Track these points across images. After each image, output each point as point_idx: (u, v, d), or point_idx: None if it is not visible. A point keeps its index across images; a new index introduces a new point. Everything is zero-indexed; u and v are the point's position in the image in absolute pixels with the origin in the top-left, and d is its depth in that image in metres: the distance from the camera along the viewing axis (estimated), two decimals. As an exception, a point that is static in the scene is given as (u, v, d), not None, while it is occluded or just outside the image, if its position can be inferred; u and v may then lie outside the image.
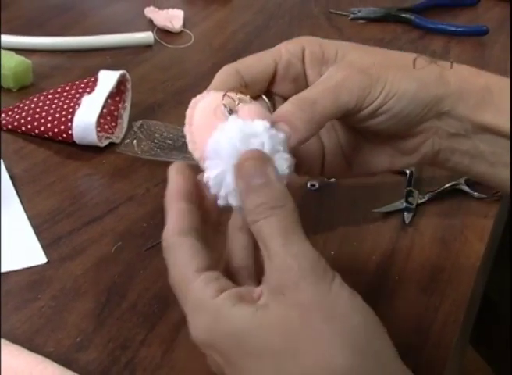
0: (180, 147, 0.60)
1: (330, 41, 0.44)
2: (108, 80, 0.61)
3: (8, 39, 0.75)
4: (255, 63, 0.43)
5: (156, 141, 0.60)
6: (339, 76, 0.39)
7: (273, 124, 0.36)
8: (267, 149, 0.35)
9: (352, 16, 0.86)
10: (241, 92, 0.39)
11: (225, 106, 0.38)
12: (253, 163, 0.34)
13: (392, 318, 0.45)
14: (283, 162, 0.35)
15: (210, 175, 0.36)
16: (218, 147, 0.36)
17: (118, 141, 0.61)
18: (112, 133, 0.61)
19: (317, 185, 0.57)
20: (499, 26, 0.83)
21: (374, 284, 0.47)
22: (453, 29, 0.81)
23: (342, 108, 0.38)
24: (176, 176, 0.39)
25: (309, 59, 0.43)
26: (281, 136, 0.36)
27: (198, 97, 0.40)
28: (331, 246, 0.51)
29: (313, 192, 0.56)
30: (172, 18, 0.83)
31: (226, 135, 0.36)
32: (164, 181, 0.58)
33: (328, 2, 0.91)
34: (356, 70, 0.40)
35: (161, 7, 0.86)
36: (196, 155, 0.39)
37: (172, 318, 0.44)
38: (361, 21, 0.85)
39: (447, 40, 0.81)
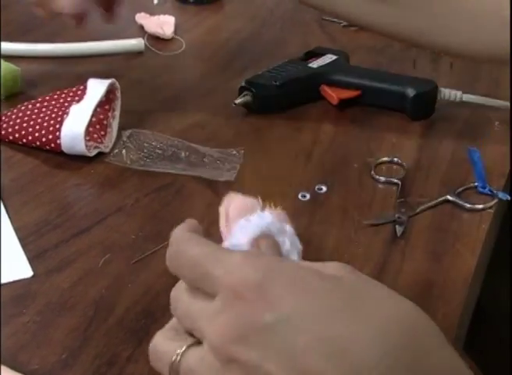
0: (170, 156, 0.60)
1: None
2: (97, 88, 0.60)
3: (-3, 45, 0.74)
4: None
5: (145, 150, 0.59)
6: None
7: None
8: (286, 250, 0.38)
9: (344, 23, 0.85)
10: None
11: (259, 204, 0.42)
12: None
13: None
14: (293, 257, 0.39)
15: None
16: (244, 232, 0.38)
17: (107, 150, 0.60)
18: (101, 142, 0.60)
19: (308, 196, 0.57)
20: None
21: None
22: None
23: None
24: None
25: None
26: (299, 246, 0.40)
27: (232, 194, 0.44)
28: (322, 258, 0.50)
29: (304, 203, 0.56)
30: (163, 24, 0.83)
31: (254, 224, 0.39)
32: (154, 191, 0.57)
33: (320, 9, 0.90)
34: None
35: (152, 13, 0.86)
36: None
37: (159, 333, 0.43)
38: (353, 28, 0.85)
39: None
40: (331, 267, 0.33)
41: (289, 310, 0.30)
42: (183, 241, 0.34)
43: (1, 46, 0.74)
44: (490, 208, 0.55)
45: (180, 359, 0.32)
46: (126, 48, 0.78)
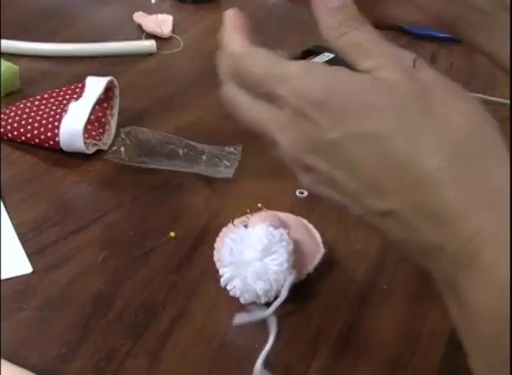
0: (168, 154, 0.60)
1: None
2: (95, 86, 0.60)
3: (-4, 44, 0.74)
4: None
5: (144, 147, 0.60)
6: None
7: None
8: (264, 243, 0.43)
9: (341, 22, 0.85)
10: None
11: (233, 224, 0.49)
12: None
13: (380, 327, 0.44)
14: (282, 254, 0.43)
15: (225, 280, 0.44)
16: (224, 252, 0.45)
17: (105, 147, 0.60)
18: (100, 139, 0.61)
19: (305, 193, 0.57)
20: (487, 33, 0.83)
21: (362, 293, 0.47)
22: (442, 35, 0.81)
23: None
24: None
25: None
26: (280, 231, 0.44)
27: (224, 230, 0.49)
28: (325, 255, 0.50)
29: (301, 200, 0.56)
30: (162, 23, 0.83)
31: (230, 241, 0.45)
32: (152, 188, 0.58)
33: (317, 8, 0.91)
34: None
35: (150, 12, 0.86)
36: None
37: (158, 328, 0.44)
38: (351, 27, 0.85)
39: (436, 46, 0.81)
40: (425, 75, 0.32)
41: (348, 128, 0.31)
42: (242, 54, 0.34)
43: (2, 45, 0.74)
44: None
45: None
46: (138, 49, 0.78)
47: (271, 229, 0.44)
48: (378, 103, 0.31)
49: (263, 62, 0.33)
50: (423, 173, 0.30)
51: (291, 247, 0.44)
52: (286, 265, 0.43)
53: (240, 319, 0.44)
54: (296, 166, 0.33)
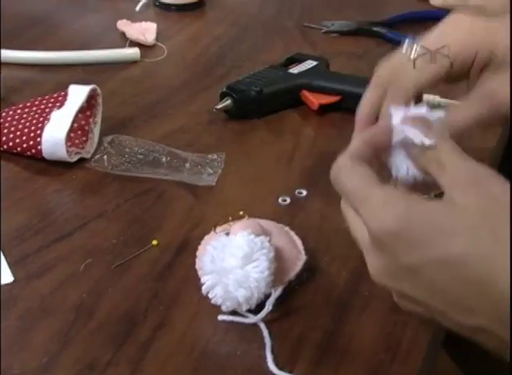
0: (151, 162, 0.60)
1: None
2: (78, 94, 0.61)
3: (-22, 52, 0.74)
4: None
5: (127, 155, 0.60)
6: None
7: None
8: (245, 251, 0.43)
9: (325, 29, 0.86)
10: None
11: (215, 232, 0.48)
12: None
13: (361, 334, 0.45)
14: (263, 262, 0.43)
15: (206, 288, 0.44)
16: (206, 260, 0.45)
17: (88, 156, 0.60)
18: (83, 148, 0.61)
19: (288, 200, 0.57)
20: (468, 41, 0.84)
21: (343, 300, 0.47)
22: (423, 43, 0.82)
23: None
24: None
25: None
26: (261, 238, 0.45)
27: (206, 237, 0.49)
28: (307, 262, 0.50)
29: (284, 207, 0.56)
30: (145, 31, 0.83)
31: (211, 248, 0.45)
32: (135, 196, 0.58)
33: (301, 16, 0.91)
34: None
35: (134, 20, 0.86)
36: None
37: (140, 337, 0.44)
38: (334, 34, 0.86)
39: (418, 54, 0.81)
40: (487, 191, 0.34)
41: (423, 253, 0.33)
42: (341, 168, 0.38)
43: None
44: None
45: None
46: (122, 57, 0.78)
47: (252, 236, 0.44)
48: (449, 228, 0.33)
49: (354, 179, 0.37)
50: (501, 290, 0.31)
51: (272, 254, 0.44)
52: (267, 272, 0.43)
53: (224, 317, 0.44)
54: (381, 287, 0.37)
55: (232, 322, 0.45)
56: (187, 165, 0.60)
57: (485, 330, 0.33)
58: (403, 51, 0.50)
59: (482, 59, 0.48)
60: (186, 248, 0.51)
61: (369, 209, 0.35)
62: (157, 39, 0.83)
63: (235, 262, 0.43)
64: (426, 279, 0.33)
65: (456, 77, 0.51)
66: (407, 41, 0.50)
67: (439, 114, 0.39)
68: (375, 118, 0.50)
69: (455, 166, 0.35)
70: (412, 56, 0.49)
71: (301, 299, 0.47)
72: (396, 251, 0.34)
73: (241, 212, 0.51)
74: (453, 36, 0.50)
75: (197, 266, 0.47)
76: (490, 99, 0.46)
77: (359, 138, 0.39)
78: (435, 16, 0.91)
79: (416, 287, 0.34)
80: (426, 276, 0.33)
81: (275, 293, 0.44)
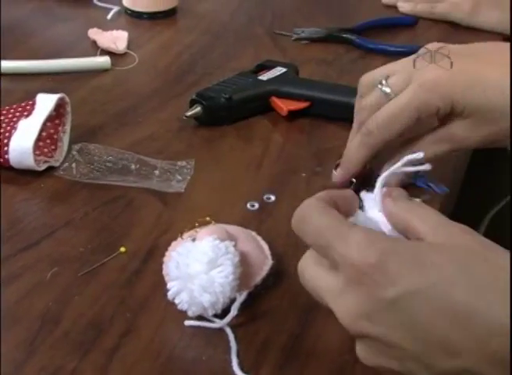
0: (120, 169, 0.60)
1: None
2: (45, 103, 0.61)
3: None
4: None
5: (95, 163, 0.60)
6: None
7: None
8: (210, 256, 0.44)
9: (295, 36, 0.87)
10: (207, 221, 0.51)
11: (181, 238, 0.49)
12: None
13: (326, 336, 0.45)
14: (227, 266, 0.44)
15: (172, 294, 0.44)
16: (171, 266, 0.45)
17: (57, 164, 0.60)
18: (52, 156, 0.61)
19: (256, 205, 0.58)
20: (436, 46, 0.86)
21: (310, 304, 0.48)
22: (392, 49, 0.83)
23: None
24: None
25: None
26: (226, 243, 0.45)
27: (173, 244, 0.49)
28: (273, 267, 0.51)
29: (252, 212, 0.57)
30: (116, 39, 0.83)
31: (176, 254, 0.45)
32: (103, 204, 0.58)
33: (272, 23, 0.92)
34: None
35: (105, 29, 0.86)
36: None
37: (105, 344, 0.44)
38: (304, 41, 0.87)
39: (386, 59, 0.81)
40: (449, 230, 0.34)
41: (408, 285, 0.32)
42: (310, 206, 0.36)
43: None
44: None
45: None
46: (93, 65, 0.78)
47: (217, 242, 0.45)
48: (435, 258, 0.32)
49: (329, 217, 0.35)
50: (494, 324, 0.29)
51: (237, 259, 0.45)
52: (231, 277, 0.44)
53: (191, 323, 0.45)
54: (353, 334, 0.34)
55: (198, 327, 0.45)
56: (156, 172, 0.60)
57: (470, 373, 0.30)
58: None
59: (444, 111, 0.52)
60: (154, 255, 0.51)
61: (352, 244, 0.33)
62: (128, 47, 0.84)
63: (200, 268, 0.44)
64: (407, 314, 0.31)
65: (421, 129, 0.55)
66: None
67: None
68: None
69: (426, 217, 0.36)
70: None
71: (268, 303, 0.48)
72: (379, 284, 0.32)
73: (208, 218, 0.51)
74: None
75: (163, 272, 0.47)
76: (449, 142, 0.53)
77: (326, 191, 0.39)
78: (403, 23, 0.93)
79: (395, 327, 0.32)
80: (408, 309, 0.31)
81: (240, 297, 0.44)
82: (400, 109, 0.52)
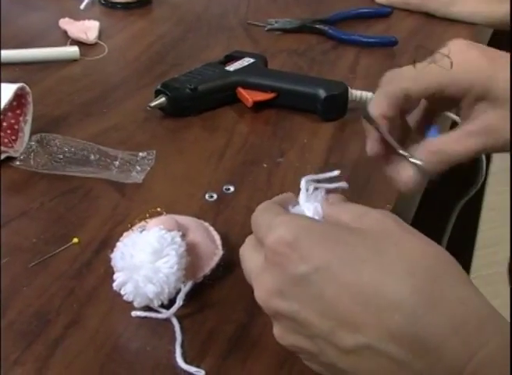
0: (79, 160, 0.60)
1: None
2: (4, 92, 0.60)
3: None
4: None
5: (54, 154, 0.60)
6: None
7: None
8: (155, 247, 0.43)
9: (268, 27, 0.87)
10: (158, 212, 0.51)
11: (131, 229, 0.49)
12: None
13: (272, 327, 0.45)
14: (172, 257, 0.43)
15: (118, 284, 0.44)
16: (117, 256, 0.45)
17: (17, 155, 0.60)
18: (12, 146, 0.60)
19: (215, 196, 0.57)
20: (409, 37, 0.85)
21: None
22: (364, 40, 0.83)
23: None
24: None
25: None
26: (172, 234, 0.45)
27: (125, 234, 0.49)
28: (225, 257, 0.51)
29: (210, 203, 0.57)
30: (87, 29, 0.83)
31: (122, 245, 0.45)
32: (60, 195, 0.58)
33: (247, 14, 0.92)
34: None
35: (79, 18, 0.86)
36: None
37: (50, 335, 0.43)
38: (278, 32, 0.86)
39: (358, 50, 0.82)
40: (370, 217, 0.35)
41: (319, 261, 0.33)
42: (260, 208, 0.39)
43: None
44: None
45: None
46: (62, 55, 0.78)
47: (163, 232, 0.45)
48: (349, 239, 0.34)
49: (267, 213, 0.38)
50: (397, 301, 0.30)
51: (183, 249, 0.45)
52: (176, 267, 0.43)
53: (138, 313, 0.44)
54: (269, 313, 0.35)
55: (145, 318, 0.45)
56: (116, 163, 0.60)
57: (373, 349, 0.31)
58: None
59: (477, 93, 0.47)
60: (107, 246, 0.51)
61: (274, 225, 0.35)
62: (100, 37, 0.83)
63: (145, 258, 0.43)
64: (317, 290, 0.32)
65: (446, 106, 0.52)
66: None
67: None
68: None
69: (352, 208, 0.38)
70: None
71: (217, 294, 0.47)
72: (291, 261, 0.33)
73: (159, 209, 0.51)
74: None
75: (112, 263, 0.47)
76: (490, 133, 0.46)
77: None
78: (378, 14, 0.92)
79: (306, 304, 0.33)
80: (318, 286, 0.32)
81: (185, 288, 0.44)
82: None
